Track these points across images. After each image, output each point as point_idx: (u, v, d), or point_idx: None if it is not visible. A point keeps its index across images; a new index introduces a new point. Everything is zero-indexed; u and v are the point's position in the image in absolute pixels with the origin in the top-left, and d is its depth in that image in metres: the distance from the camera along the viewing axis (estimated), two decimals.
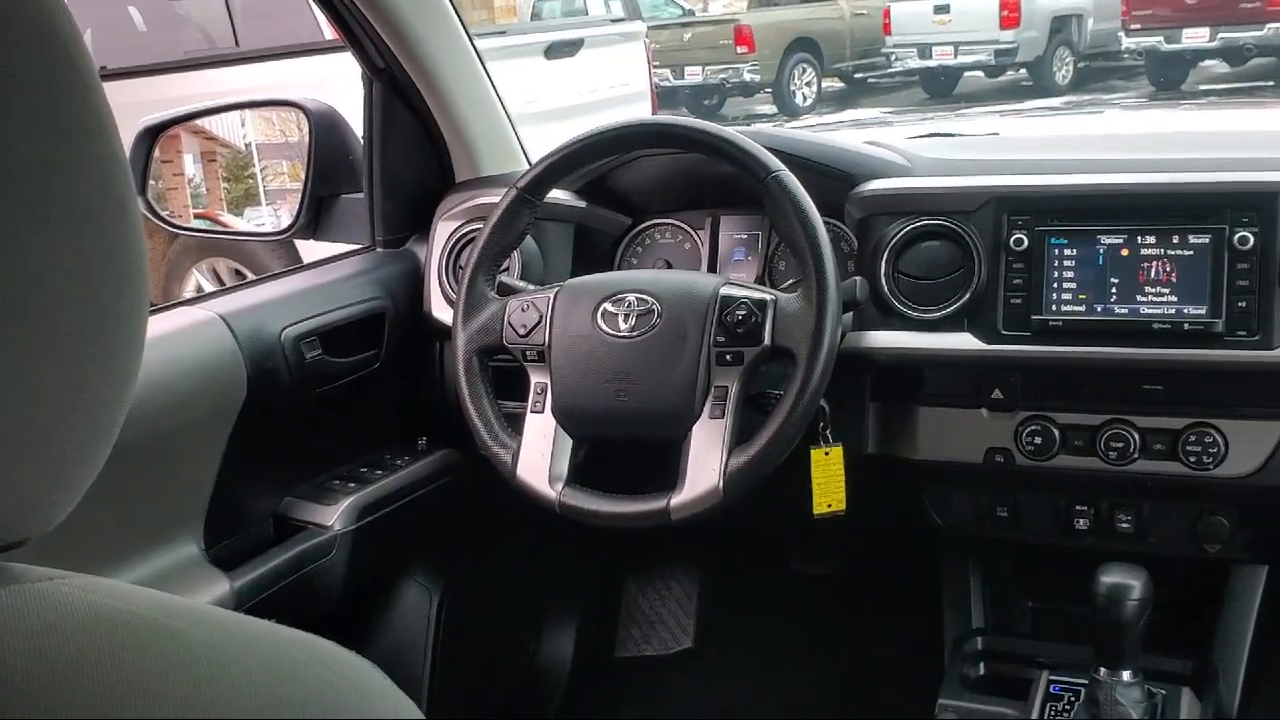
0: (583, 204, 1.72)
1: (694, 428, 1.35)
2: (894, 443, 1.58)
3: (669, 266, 1.76)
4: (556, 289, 1.45)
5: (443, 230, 1.76)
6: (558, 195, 1.64)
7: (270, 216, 4.67)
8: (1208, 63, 11.80)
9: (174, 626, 0.43)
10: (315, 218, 1.89)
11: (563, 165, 1.47)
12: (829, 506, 1.50)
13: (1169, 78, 11.55)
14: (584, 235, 1.76)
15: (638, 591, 2.35)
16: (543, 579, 2.22)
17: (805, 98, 12.92)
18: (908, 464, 1.57)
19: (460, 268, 1.69)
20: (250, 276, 4.73)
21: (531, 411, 1.43)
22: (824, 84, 13.47)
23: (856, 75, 14.08)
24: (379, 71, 1.75)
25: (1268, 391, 1.40)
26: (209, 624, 0.45)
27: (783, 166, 1.37)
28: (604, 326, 1.40)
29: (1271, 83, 10.93)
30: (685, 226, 1.78)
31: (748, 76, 12.50)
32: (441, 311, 1.72)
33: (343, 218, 1.88)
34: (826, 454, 1.49)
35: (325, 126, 1.86)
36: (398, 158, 1.81)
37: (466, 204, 1.74)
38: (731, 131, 1.41)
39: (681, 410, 1.36)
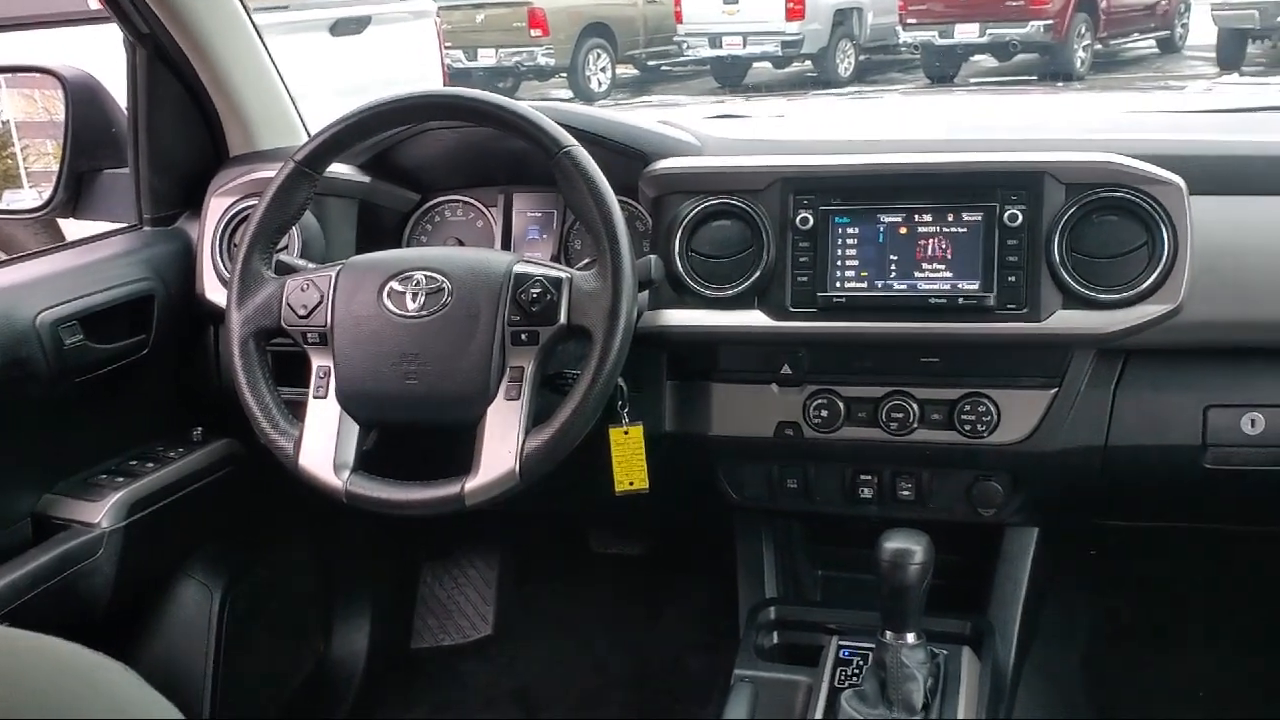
0: (367, 179, 1.66)
1: (488, 410, 1.32)
2: (690, 420, 1.59)
3: (460, 245, 1.72)
4: (339, 267, 1.39)
5: (216, 207, 1.67)
6: (340, 169, 1.58)
7: (34, 200, 4.34)
8: (978, 57, 12.47)
9: None
10: (75, 194, 1.76)
11: (344, 137, 1.40)
12: (631, 484, 1.49)
13: (943, 71, 12.16)
14: (369, 212, 1.70)
15: (434, 580, 2.30)
16: (333, 572, 2.14)
17: (600, 83, 12.96)
18: (703, 440, 1.59)
19: (235, 246, 1.61)
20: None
21: (314, 397, 1.36)
22: (618, 71, 13.55)
23: (650, 63, 14.22)
24: (142, 37, 1.64)
25: (1036, 361, 1.47)
26: None
27: (575, 142, 1.34)
28: (390, 306, 1.35)
29: (1035, 77, 11.64)
30: (477, 204, 1.74)
31: (542, 60, 12.44)
32: (215, 293, 1.63)
33: (106, 194, 1.76)
34: (626, 433, 1.49)
35: (84, 96, 1.74)
36: (166, 130, 1.71)
37: (241, 179, 1.65)
38: (522, 105, 1.38)
39: (475, 392, 1.32)
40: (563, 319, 1.32)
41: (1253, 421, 1.44)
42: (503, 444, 1.30)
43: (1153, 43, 13.27)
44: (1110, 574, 2.03)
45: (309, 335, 1.37)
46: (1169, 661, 2.02)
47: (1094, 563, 1.98)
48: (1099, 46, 12.24)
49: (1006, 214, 1.39)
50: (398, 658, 2.23)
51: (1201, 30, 12.23)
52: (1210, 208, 1.40)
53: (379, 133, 1.47)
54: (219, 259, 1.65)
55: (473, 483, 1.30)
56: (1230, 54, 11.32)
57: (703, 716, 2.01)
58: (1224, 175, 1.45)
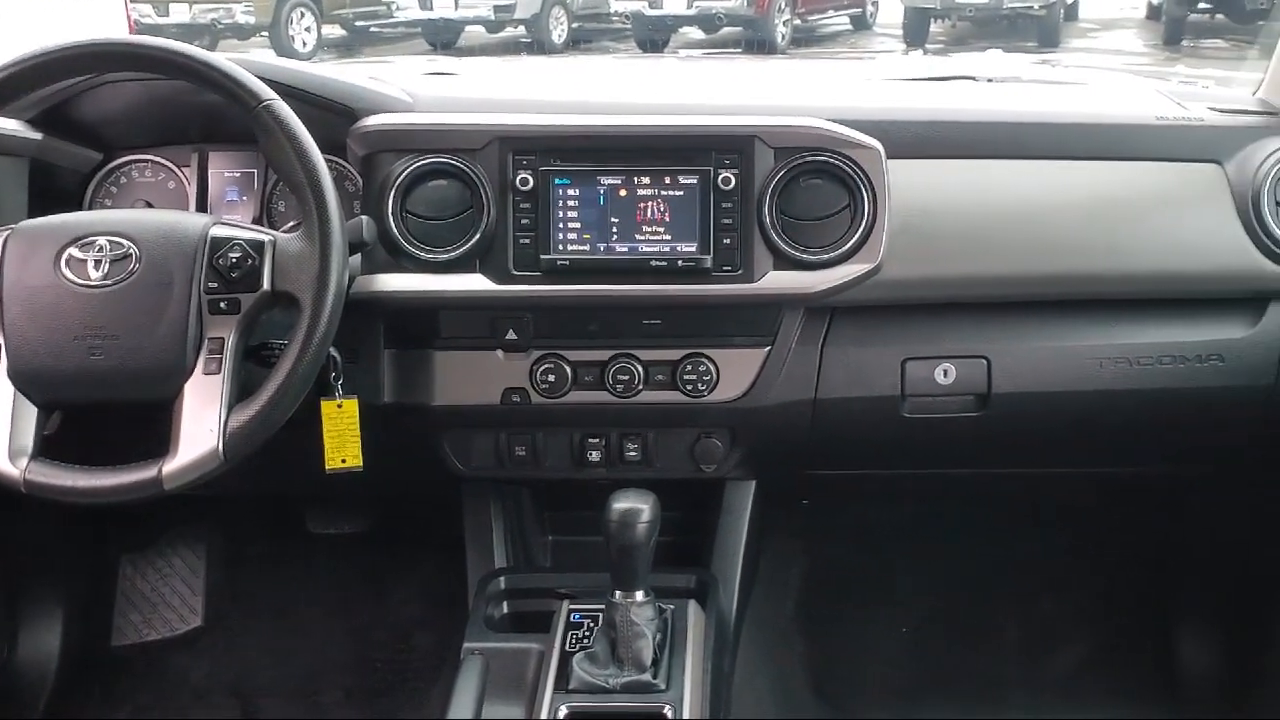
0: (38, 136, 1.52)
1: (186, 385, 1.25)
2: (411, 390, 1.54)
3: (150, 208, 1.59)
4: (7, 232, 1.29)
5: None
6: (3, 125, 1.45)
7: None
8: (687, 29, 12.85)
9: None
10: None
11: (6, 89, 1.28)
12: (344, 462, 1.44)
13: (653, 41, 12.48)
14: (44, 173, 1.55)
15: (136, 572, 2.16)
16: (18, 569, 1.97)
17: (305, 43, 12.47)
18: (426, 411, 1.55)
19: None
20: None
21: None
22: (325, 31, 13.05)
23: (358, 23, 13.78)
24: None
25: (750, 321, 1.52)
26: None
27: (275, 96, 1.28)
28: (70, 275, 1.25)
29: (740, 49, 12.12)
30: (168, 163, 1.62)
31: (241, 18, 11.85)
32: None
33: None
34: (339, 406, 1.44)
35: None
36: None
37: None
38: (215, 56, 1.30)
39: (170, 367, 1.25)
40: (266, 285, 1.27)
41: (945, 372, 1.55)
42: (203, 422, 1.24)
43: (846, 20, 14.12)
44: (820, 523, 2.14)
45: None
46: (874, 601, 2.15)
47: (807, 513, 2.08)
48: (798, 22, 12.91)
49: (720, 177, 1.42)
50: (96, 657, 2.07)
51: (890, 9, 13.12)
52: (906, 171, 1.48)
53: (47, 84, 1.35)
54: None
55: (171, 464, 1.23)
56: (915, 31, 12.26)
57: (432, 693, 1.97)
58: (918, 139, 1.53)
